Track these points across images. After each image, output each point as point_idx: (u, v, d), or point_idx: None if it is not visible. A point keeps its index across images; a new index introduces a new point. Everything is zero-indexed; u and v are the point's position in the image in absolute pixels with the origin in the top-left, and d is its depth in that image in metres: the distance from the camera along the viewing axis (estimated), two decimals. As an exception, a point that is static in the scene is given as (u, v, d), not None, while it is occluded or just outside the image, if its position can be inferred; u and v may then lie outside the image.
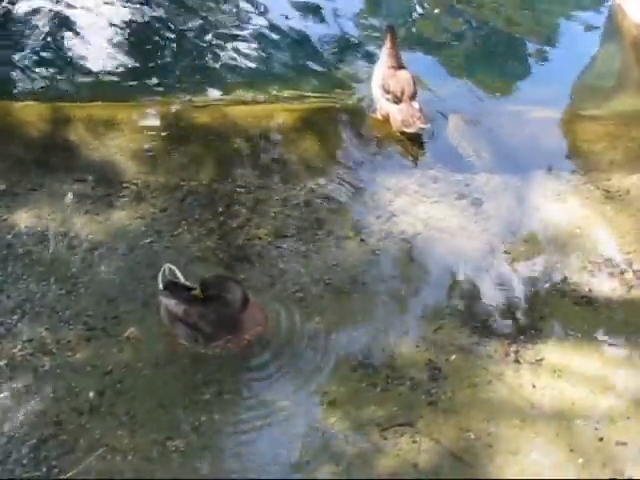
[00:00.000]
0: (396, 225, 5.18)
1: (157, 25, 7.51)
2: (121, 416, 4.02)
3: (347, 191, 5.44)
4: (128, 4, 7.67)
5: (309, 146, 5.81)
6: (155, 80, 6.92)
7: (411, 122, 5.83)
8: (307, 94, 6.77)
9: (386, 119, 6.02)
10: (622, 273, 4.88)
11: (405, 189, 5.48)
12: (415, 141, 5.90)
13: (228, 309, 4.14)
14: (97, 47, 7.18)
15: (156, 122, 5.88)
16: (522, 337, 4.46)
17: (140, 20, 7.54)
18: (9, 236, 4.92)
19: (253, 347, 4.28)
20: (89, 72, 6.92)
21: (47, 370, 4.21)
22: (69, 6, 7.56)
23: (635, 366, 4.33)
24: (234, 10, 7.85)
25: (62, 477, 3.75)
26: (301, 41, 7.47)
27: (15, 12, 7.46)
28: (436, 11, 8.00)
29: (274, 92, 6.77)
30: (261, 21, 7.68)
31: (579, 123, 6.30)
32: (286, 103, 6.52)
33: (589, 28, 8.07)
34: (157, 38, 7.39)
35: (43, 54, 7.04)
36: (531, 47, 7.71)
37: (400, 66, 6.04)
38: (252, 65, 7.16)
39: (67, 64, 6.97)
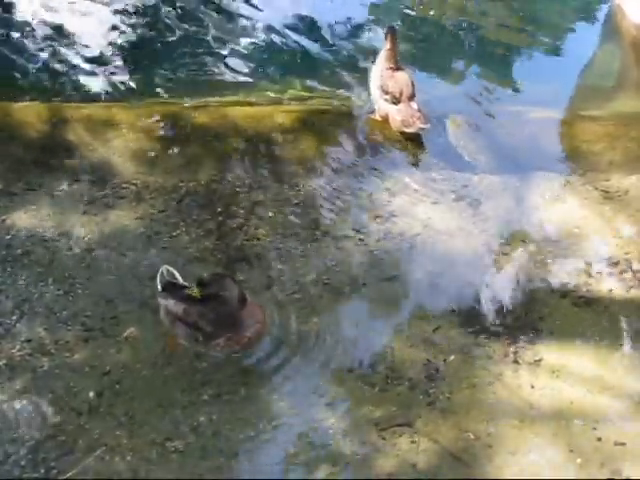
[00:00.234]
0: (395, 225, 5.18)
1: (157, 27, 7.53)
2: (120, 417, 4.01)
3: (346, 191, 5.44)
4: (127, 8, 7.68)
5: (307, 147, 5.81)
6: (154, 81, 6.93)
7: (411, 122, 5.84)
8: (306, 95, 6.77)
9: (385, 120, 6.03)
10: (621, 273, 4.88)
11: (404, 189, 5.48)
12: (414, 141, 5.91)
13: (227, 307, 4.14)
14: (97, 48, 7.20)
15: (155, 123, 5.88)
16: (521, 338, 4.46)
17: (139, 23, 7.56)
18: (7, 237, 4.92)
19: (254, 345, 4.27)
20: (89, 73, 6.93)
21: (46, 370, 4.21)
22: (69, 10, 7.58)
23: (634, 366, 4.33)
24: (233, 13, 7.86)
25: (61, 478, 3.75)
26: (300, 42, 7.48)
27: (15, 13, 7.47)
28: (431, 12, 8.00)
29: (273, 93, 6.78)
30: (260, 23, 7.70)
31: (578, 123, 6.31)
32: (285, 104, 6.52)
33: (589, 28, 8.09)
34: (156, 40, 7.40)
35: (43, 55, 7.05)
36: (531, 47, 7.72)
37: (398, 67, 6.06)
38: (251, 66, 7.17)
39: (67, 65, 6.98)
